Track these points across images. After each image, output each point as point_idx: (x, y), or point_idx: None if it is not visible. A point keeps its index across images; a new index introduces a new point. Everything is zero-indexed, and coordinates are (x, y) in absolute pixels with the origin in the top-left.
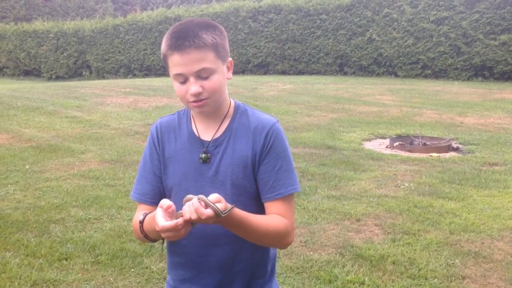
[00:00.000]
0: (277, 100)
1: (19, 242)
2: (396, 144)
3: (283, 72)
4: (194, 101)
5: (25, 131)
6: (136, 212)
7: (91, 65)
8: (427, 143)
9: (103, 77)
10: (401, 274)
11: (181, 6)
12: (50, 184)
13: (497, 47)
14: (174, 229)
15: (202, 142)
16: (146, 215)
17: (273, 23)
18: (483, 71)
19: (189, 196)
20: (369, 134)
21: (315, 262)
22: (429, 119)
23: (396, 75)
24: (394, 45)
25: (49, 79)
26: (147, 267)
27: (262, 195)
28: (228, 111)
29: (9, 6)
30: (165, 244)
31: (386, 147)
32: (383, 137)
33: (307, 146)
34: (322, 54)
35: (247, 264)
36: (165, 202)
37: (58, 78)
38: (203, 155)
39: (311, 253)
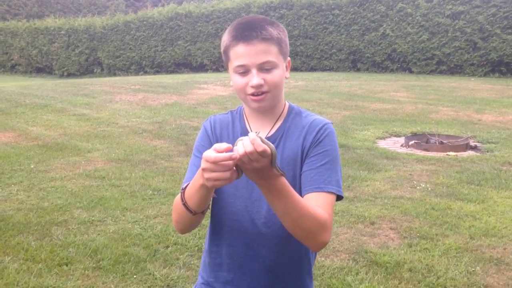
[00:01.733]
0: (288, 97)
1: (19, 245)
2: (411, 142)
3: (295, 69)
4: (253, 94)
5: (32, 129)
6: None
7: (103, 62)
8: (444, 141)
9: (115, 74)
10: (419, 283)
11: (192, 2)
12: (55, 184)
13: None
14: (224, 164)
15: None
16: (188, 184)
17: (284, 18)
18: (500, 67)
19: (241, 137)
20: (383, 132)
21: (327, 268)
22: (446, 116)
23: (411, 71)
24: (409, 41)
25: (61, 76)
26: (150, 273)
27: (303, 188)
28: (282, 111)
29: (21, 3)
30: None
31: (401, 145)
32: (398, 135)
33: None
34: (334, 50)
35: (291, 267)
36: (214, 146)
37: (69, 75)
38: None
39: (323, 259)
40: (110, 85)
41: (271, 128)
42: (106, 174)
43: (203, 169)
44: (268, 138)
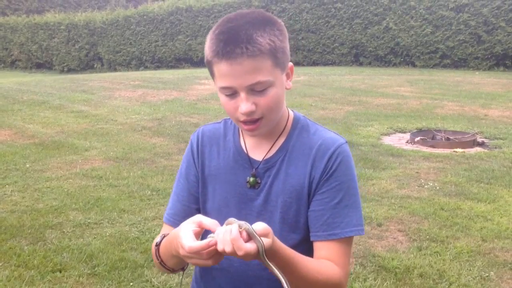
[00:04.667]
0: (290, 92)
1: (11, 250)
2: (417, 139)
3: (297, 63)
4: (245, 122)
5: (28, 127)
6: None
7: (103, 58)
8: (450, 137)
9: (115, 70)
10: None
11: None
12: (50, 185)
13: None
14: (202, 253)
15: (250, 161)
16: (164, 236)
17: (286, 12)
18: (505, 60)
19: (231, 219)
20: (387, 128)
21: None
22: (451, 111)
23: (414, 65)
24: (412, 34)
25: (61, 71)
26: (147, 281)
27: (312, 232)
28: (285, 125)
29: None
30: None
31: (407, 142)
32: (403, 131)
33: None
34: (337, 44)
35: None
36: (198, 218)
37: (70, 70)
38: (251, 179)
39: None
40: (109, 81)
41: (271, 147)
42: (103, 173)
43: (181, 255)
44: (267, 160)
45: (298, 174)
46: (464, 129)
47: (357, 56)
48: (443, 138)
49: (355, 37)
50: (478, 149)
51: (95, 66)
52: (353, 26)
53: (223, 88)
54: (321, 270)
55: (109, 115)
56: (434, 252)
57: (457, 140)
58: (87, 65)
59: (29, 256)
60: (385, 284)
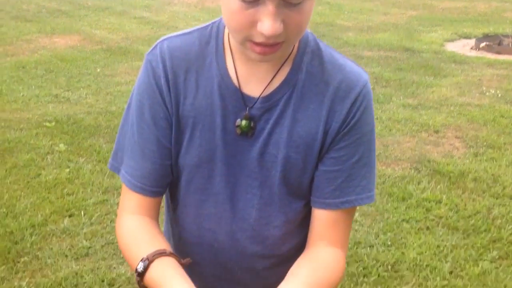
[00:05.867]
0: None
1: (92, 147)
2: (482, 45)
3: None
4: (260, 44)
5: (95, 33)
6: (123, 203)
7: None
8: None
9: None
10: (483, 193)
11: None
12: (121, 89)
13: None
14: None
15: (243, 97)
16: (149, 262)
17: None
18: None
19: None
20: (452, 33)
21: (388, 177)
22: None
23: None
24: None
25: None
26: None
27: (317, 198)
28: (292, 48)
29: None
30: None
31: (471, 48)
32: (468, 37)
33: (382, 49)
34: None
35: None
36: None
37: None
38: (243, 122)
39: (384, 167)
40: None
41: (272, 79)
42: None
43: None
44: (266, 98)
45: (310, 120)
46: None
47: None
48: (510, 44)
49: None
50: None
51: None
52: None
53: None
54: (331, 280)
55: (169, 21)
56: (490, 158)
57: None
58: None
59: (107, 153)
60: (438, 187)
